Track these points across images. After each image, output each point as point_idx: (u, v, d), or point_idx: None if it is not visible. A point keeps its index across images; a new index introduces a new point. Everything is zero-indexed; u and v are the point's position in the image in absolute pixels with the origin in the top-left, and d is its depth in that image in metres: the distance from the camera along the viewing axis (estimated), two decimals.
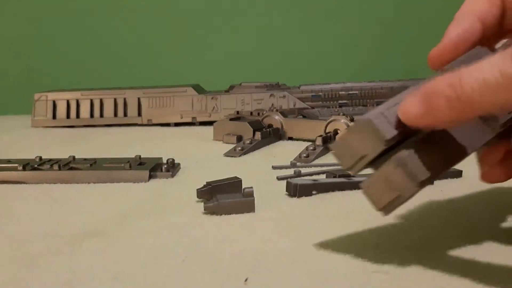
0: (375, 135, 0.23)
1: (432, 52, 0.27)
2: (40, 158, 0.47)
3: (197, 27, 1.10)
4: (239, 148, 0.56)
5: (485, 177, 0.28)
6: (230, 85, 0.84)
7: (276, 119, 0.66)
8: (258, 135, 0.61)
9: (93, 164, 0.46)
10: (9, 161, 0.47)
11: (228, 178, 0.38)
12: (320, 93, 0.80)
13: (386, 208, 0.24)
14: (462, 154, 0.25)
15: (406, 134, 0.24)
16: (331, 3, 1.10)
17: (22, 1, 1.09)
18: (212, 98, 0.80)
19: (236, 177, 0.37)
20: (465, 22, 0.27)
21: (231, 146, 0.59)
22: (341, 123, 0.61)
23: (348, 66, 1.10)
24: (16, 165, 0.45)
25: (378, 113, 0.24)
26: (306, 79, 0.90)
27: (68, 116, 0.82)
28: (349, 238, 0.29)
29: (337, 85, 0.80)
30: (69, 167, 0.45)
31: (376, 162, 0.24)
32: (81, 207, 0.37)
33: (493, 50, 0.27)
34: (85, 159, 0.48)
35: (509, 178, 0.28)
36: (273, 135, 0.63)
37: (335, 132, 0.59)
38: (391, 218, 0.32)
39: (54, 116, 0.82)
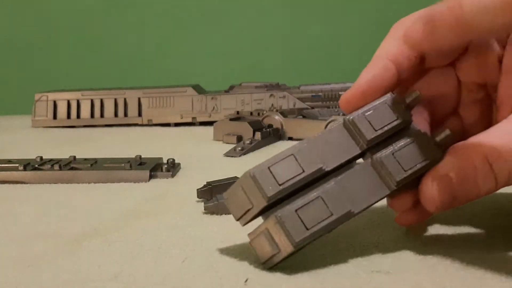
0: (258, 191, 0.24)
1: (342, 97, 0.27)
2: (41, 158, 0.47)
3: (197, 27, 1.10)
4: (239, 148, 0.57)
5: (398, 220, 0.29)
6: (230, 85, 0.84)
7: (276, 119, 0.66)
8: (258, 135, 0.61)
9: (94, 164, 0.46)
10: (9, 161, 0.47)
11: (228, 178, 0.38)
12: (320, 93, 0.80)
13: (268, 262, 0.24)
14: (348, 214, 0.24)
15: (294, 190, 0.24)
16: (331, 3, 1.11)
17: (22, 1, 1.09)
18: (212, 98, 0.81)
19: (236, 177, 0.38)
20: (376, 67, 0.27)
21: (231, 146, 0.59)
22: None
23: (348, 66, 1.10)
24: (17, 165, 0.45)
25: (264, 168, 0.24)
26: (306, 79, 0.90)
27: (68, 116, 0.82)
28: (349, 238, 0.29)
29: (337, 85, 0.80)
30: (69, 167, 0.46)
31: (266, 213, 0.24)
32: (82, 207, 0.37)
33: (411, 89, 0.27)
34: (85, 159, 0.48)
35: (422, 220, 0.29)
36: (273, 135, 0.63)
37: None
38: (391, 218, 0.32)
39: (54, 116, 0.82)
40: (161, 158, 0.49)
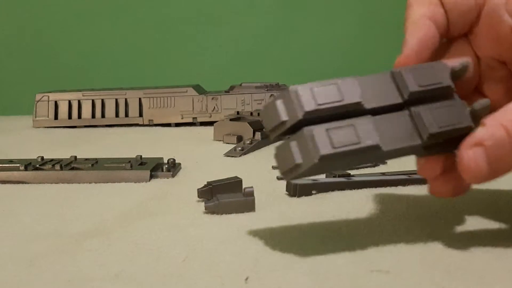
0: (298, 104, 0.25)
1: (397, 62, 0.28)
2: (42, 158, 0.48)
3: (198, 28, 1.10)
4: (239, 148, 0.57)
5: (432, 191, 0.29)
6: (230, 85, 0.84)
7: None
8: (258, 135, 0.61)
9: (95, 164, 0.46)
10: (11, 161, 0.47)
11: (228, 178, 0.38)
12: None
13: (287, 174, 0.25)
14: (375, 147, 0.25)
15: (325, 117, 0.25)
16: (331, 3, 1.11)
17: (23, 1, 1.09)
18: (212, 99, 0.81)
19: (236, 177, 0.38)
20: (421, 29, 0.28)
21: (231, 146, 0.59)
22: None
23: (347, 66, 1.10)
24: (18, 165, 0.45)
25: (307, 87, 0.25)
26: (306, 79, 0.90)
27: (69, 117, 0.82)
28: (349, 238, 0.29)
29: None
30: (70, 167, 0.46)
31: (292, 135, 0.25)
32: (83, 207, 0.38)
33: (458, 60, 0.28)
34: (86, 159, 0.48)
35: (459, 194, 0.28)
36: None
37: None
38: (391, 217, 0.32)
39: (55, 117, 0.82)
40: (161, 158, 0.49)
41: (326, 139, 0.24)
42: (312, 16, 1.11)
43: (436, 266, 0.25)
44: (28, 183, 0.44)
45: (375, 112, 0.26)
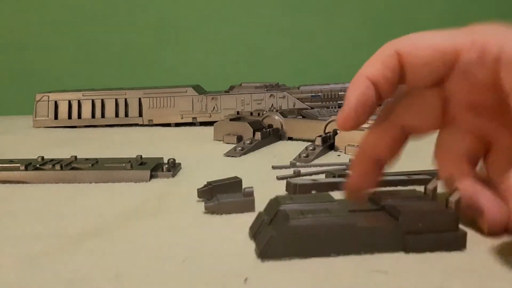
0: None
1: (338, 118, 0.30)
2: (42, 158, 0.48)
3: (197, 28, 1.10)
4: (239, 148, 0.57)
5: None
6: (230, 85, 0.84)
7: (276, 119, 0.66)
8: (258, 135, 0.61)
9: (95, 164, 0.46)
10: (11, 161, 0.47)
11: (228, 178, 0.38)
12: (320, 94, 0.80)
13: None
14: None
15: None
16: (331, 3, 1.11)
17: (23, 1, 1.09)
18: (212, 99, 0.81)
19: (236, 177, 0.38)
20: (359, 87, 0.29)
21: (231, 146, 0.59)
22: None
23: (347, 66, 1.10)
24: (18, 165, 0.45)
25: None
26: (305, 79, 0.91)
27: (69, 117, 0.82)
28: None
29: (336, 85, 0.81)
30: (71, 167, 0.46)
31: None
32: (83, 207, 0.38)
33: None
34: (86, 159, 0.48)
35: None
36: (273, 135, 0.64)
37: (335, 132, 0.60)
38: None
39: (55, 117, 0.82)
40: (161, 158, 0.49)
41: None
42: (313, 16, 1.11)
43: (436, 266, 0.25)
44: (28, 183, 0.44)
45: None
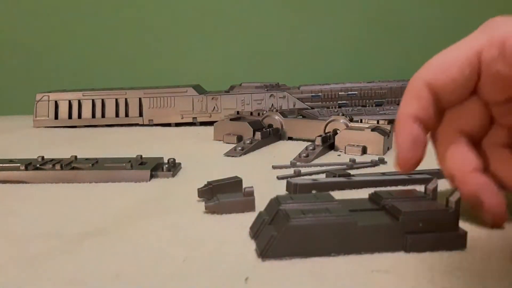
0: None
1: (397, 164, 0.30)
2: (42, 158, 0.48)
3: (198, 28, 1.10)
4: (239, 148, 0.57)
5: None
6: (230, 85, 0.84)
7: (276, 119, 0.66)
8: (258, 135, 0.61)
9: (95, 164, 0.46)
10: (11, 161, 0.47)
11: (228, 177, 0.38)
12: (320, 94, 0.80)
13: None
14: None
15: None
16: (331, 3, 1.11)
17: (23, 1, 1.09)
18: (212, 99, 0.81)
19: (236, 176, 0.38)
20: (405, 129, 0.29)
21: (232, 146, 0.59)
22: (340, 123, 0.61)
23: (347, 67, 1.10)
24: (18, 165, 0.45)
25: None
26: (305, 79, 0.91)
27: (70, 116, 0.82)
28: None
29: (336, 85, 0.81)
30: (71, 167, 0.46)
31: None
32: (83, 207, 0.38)
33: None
34: (86, 159, 0.48)
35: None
36: (273, 135, 0.64)
37: (335, 132, 0.60)
38: None
39: (56, 116, 0.82)
40: (161, 158, 0.49)
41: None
42: (313, 16, 1.11)
43: (436, 266, 0.25)
44: (28, 183, 0.44)
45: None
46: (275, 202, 0.29)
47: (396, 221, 0.26)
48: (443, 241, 0.26)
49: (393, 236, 0.26)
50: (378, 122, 0.59)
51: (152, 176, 0.45)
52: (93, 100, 0.82)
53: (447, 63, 0.29)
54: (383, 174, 0.43)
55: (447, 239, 0.26)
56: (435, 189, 0.29)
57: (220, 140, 0.65)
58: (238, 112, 0.71)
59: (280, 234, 0.26)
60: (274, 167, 0.49)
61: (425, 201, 0.28)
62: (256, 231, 0.29)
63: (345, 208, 0.28)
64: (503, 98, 0.30)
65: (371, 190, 0.39)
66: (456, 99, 0.30)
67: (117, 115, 0.82)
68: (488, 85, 0.29)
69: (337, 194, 0.39)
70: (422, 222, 0.26)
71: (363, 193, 0.38)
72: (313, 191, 0.39)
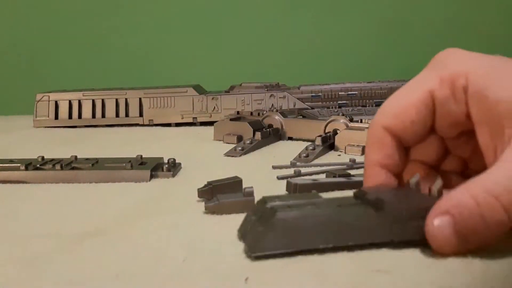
0: None
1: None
2: (42, 158, 0.48)
3: (198, 28, 1.10)
4: (239, 148, 0.57)
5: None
6: (230, 85, 0.84)
7: (276, 119, 0.66)
8: (258, 135, 0.61)
9: (95, 164, 0.46)
10: (11, 161, 0.47)
11: (228, 177, 0.38)
12: (320, 94, 0.80)
13: None
14: None
15: None
16: (331, 3, 1.11)
17: (24, 1, 1.09)
18: (212, 99, 0.81)
19: (236, 176, 0.38)
20: (375, 178, 0.30)
21: (232, 146, 0.59)
22: (340, 123, 0.61)
23: (347, 67, 1.10)
24: (18, 165, 0.45)
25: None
26: (305, 79, 0.91)
27: (70, 117, 0.82)
28: None
29: (336, 85, 0.81)
30: (71, 167, 0.46)
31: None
32: (83, 207, 0.38)
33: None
34: (87, 159, 0.48)
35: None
36: (273, 135, 0.64)
37: (335, 132, 0.60)
38: None
39: (56, 117, 0.82)
40: (161, 158, 0.49)
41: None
42: (313, 16, 1.11)
43: (436, 266, 0.25)
44: (28, 183, 0.44)
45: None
46: (262, 202, 0.29)
47: (381, 211, 0.27)
48: None
49: (380, 227, 0.26)
50: None
51: (152, 176, 0.45)
52: (93, 100, 0.82)
53: (403, 106, 0.30)
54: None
55: None
56: (419, 182, 0.29)
57: (220, 140, 0.65)
58: (238, 112, 0.71)
59: (268, 228, 0.26)
60: (274, 167, 0.49)
61: (408, 192, 0.29)
62: (243, 232, 0.29)
63: (332, 203, 0.28)
64: (456, 133, 0.30)
65: None
66: (417, 139, 0.31)
67: (117, 115, 0.82)
68: (442, 122, 0.30)
69: (337, 194, 0.39)
70: (406, 211, 0.27)
71: None
72: (313, 191, 0.39)
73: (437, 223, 0.25)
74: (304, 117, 0.70)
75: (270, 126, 0.66)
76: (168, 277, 0.25)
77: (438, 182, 0.28)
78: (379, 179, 0.30)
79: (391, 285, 0.23)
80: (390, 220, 0.26)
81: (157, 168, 0.46)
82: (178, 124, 0.81)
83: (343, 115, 0.63)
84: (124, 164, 0.45)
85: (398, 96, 0.30)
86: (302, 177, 0.43)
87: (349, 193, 0.38)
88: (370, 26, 1.10)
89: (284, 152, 0.57)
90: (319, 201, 0.28)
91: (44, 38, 1.10)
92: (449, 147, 0.32)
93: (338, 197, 0.30)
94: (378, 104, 0.78)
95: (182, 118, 0.81)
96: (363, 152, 0.55)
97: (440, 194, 0.27)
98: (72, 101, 0.82)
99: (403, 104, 0.30)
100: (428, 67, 0.30)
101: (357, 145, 0.55)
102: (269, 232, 0.26)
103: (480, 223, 0.24)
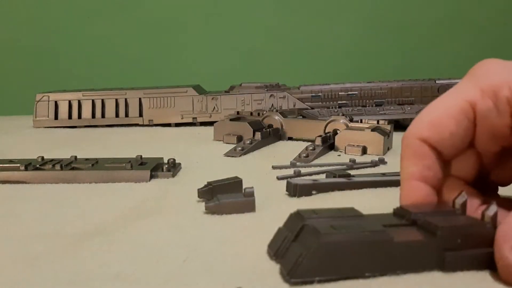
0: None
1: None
2: (42, 158, 0.48)
3: (198, 28, 1.10)
4: (239, 148, 0.57)
5: None
6: (230, 85, 0.84)
7: (276, 119, 0.66)
8: (258, 135, 0.61)
9: (95, 164, 0.46)
10: (11, 161, 0.47)
11: (228, 178, 0.38)
12: (320, 94, 0.80)
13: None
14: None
15: None
16: (331, 3, 1.11)
17: (24, 1, 1.09)
18: (212, 99, 0.81)
19: (236, 177, 0.38)
20: (414, 192, 0.28)
21: (232, 146, 0.59)
22: (340, 123, 0.61)
23: (347, 67, 1.10)
24: (18, 165, 0.45)
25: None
26: (305, 79, 0.91)
27: (70, 117, 0.82)
28: None
29: (336, 85, 0.81)
30: (71, 167, 0.46)
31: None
32: (83, 207, 0.38)
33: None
34: (86, 159, 0.48)
35: None
36: (273, 135, 0.64)
37: (335, 132, 0.60)
38: None
39: (56, 117, 0.82)
40: (161, 158, 0.49)
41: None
42: (313, 16, 1.11)
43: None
44: (28, 183, 0.44)
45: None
46: (297, 217, 0.26)
47: (433, 237, 0.24)
48: (483, 258, 0.24)
49: (430, 254, 0.24)
50: (378, 122, 0.59)
51: (152, 176, 0.45)
52: (93, 100, 0.82)
53: (442, 117, 0.28)
54: (383, 174, 0.43)
55: (487, 256, 0.24)
56: (465, 203, 0.27)
57: (220, 140, 0.65)
58: (238, 112, 0.71)
59: (311, 252, 0.23)
60: (274, 167, 0.49)
61: (458, 216, 0.26)
62: (277, 249, 0.26)
63: (377, 223, 0.25)
64: (497, 149, 0.29)
65: (372, 190, 0.40)
66: (454, 152, 0.29)
67: (117, 115, 0.82)
68: (482, 135, 0.28)
69: (337, 195, 0.39)
70: (460, 238, 0.24)
71: (363, 194, 0.39)
72: (314, 192, 0.39)
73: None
74: (304, 117, 0.70)
75: (270, 126, 0.66)
76: (169, 277, 0.25)
77: (493, 208, 0.25)
78: (419, 194, 0.28)
79: (391, 285, 0.23)
80: (443, 248, 0.24)
81: (157, 168, 0.46)
82: (178, 124, 0.81)
83: (343, 115, 0.63)
84: (124, 164, 0.45)
85: (435, 106, 0.28)
86: (302, 177, 0.43)
87: (353, 194, 0.38)
88: (370, 26, 1.10)
89: (284, 152, 0.57)
90: (363, 221, 0.25)
91: (44, 38, 1.10)
92: (486, 166, 0.30)
93: (377, 215, 0.27)
94: (378, 104, 0.78)
95: (182, 118, 0.81)
96: (363, 152, 0.55)
97: (494, 220, 0.25)
98: (71, 101, 0.82)
99: (442, 115, 0.28)
100: (466, 77, 0.29)
101: (357, 145, 0.55)
102: (312, 256, 0.23)
103: None
